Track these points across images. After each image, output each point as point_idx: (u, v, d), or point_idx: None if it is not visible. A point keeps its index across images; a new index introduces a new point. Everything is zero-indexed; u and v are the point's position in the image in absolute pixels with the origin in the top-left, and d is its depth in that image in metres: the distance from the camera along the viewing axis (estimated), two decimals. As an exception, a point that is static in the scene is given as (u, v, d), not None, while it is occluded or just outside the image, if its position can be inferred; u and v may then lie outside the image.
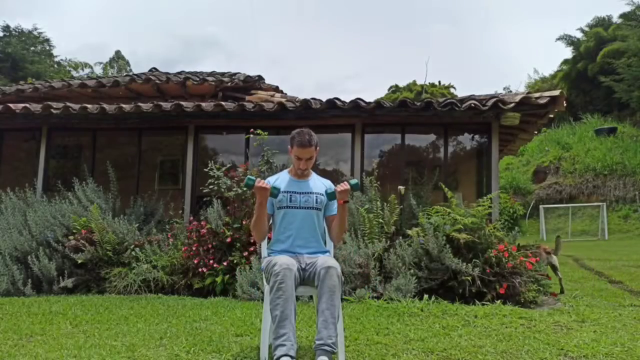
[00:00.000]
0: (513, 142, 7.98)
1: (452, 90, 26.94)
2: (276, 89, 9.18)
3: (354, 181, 2.82)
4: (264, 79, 8.91)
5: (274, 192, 2.77)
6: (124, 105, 6.51)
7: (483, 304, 4.36)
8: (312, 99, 6.31)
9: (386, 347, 3.01)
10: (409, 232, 5.25)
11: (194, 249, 5.48)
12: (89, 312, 4.24)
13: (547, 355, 2.84)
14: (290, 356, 2.39)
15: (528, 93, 6.00)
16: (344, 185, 2.77)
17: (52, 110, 6.60)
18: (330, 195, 2.84)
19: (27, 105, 6.79)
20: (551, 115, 6.15)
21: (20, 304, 4.67)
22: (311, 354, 2.75)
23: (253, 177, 2.74)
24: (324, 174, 3.15)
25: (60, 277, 5.55)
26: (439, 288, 4.77)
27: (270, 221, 2.97)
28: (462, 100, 6.00)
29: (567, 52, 26.24)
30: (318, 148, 2.93)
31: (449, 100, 6.01)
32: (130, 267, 5.57)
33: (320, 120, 6.35)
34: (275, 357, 2.40)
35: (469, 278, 4.59)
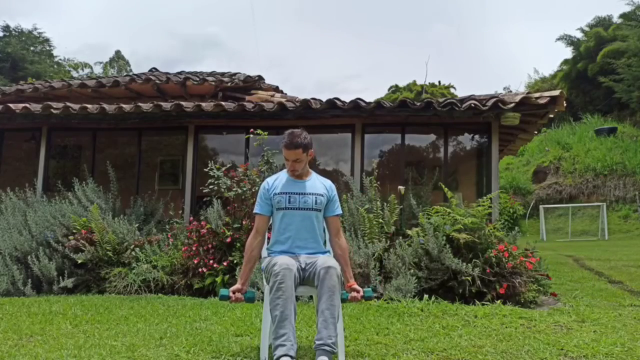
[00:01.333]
0: (513, 142, 7.98)
1: (452, 90, 26.92)
2: (276, 89, 9.18)
3: (368, 292, 2.75)
4: (264, 79, 8.91)
5: (248, 300, 2.75)
6: (124, 105, 6.51)
7: (483, 304, 4.36)
8: (312, 99, 6.31)
9: (386, 347, 3.01)
10: (409, 232, 5.25)
11: (194, 249, 5.48)
12: (89, 312, 4.24)
13: (547, 355, 2.84)
14: (290, 356, 2.39)
15: (528, 93, 6.00)
16: (357, 297, 2.71)
17: (52, 110, 6.60)
18: (342, 301, 2.73)
19: (27, 105, 6.79)
20: (551, 115, 6.15)
21: (20, 304, 4.67)
22: (311, 354, 2.75)
23: (226, 292, 2.70)
24: (324, 174, 3.15)
25: (60, 277, 5.55)
26: (439, 288, 4.77)
27: (270, 222, 2.97)
28: (462, 100, 6.00)
29: (567, 52, 26.28)
30: (311, 150, 2.89)
31: (449, 100, 6.01)
32: (130, 267, 5.57)
33: (320, 120, 6.35)
34: (275, 357, 2.40)
35: (469, 278, 4.59)
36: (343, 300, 2.72)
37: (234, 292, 2.69)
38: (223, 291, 2.70)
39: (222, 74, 9.01)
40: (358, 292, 2.71)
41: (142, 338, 3.27)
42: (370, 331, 3.40)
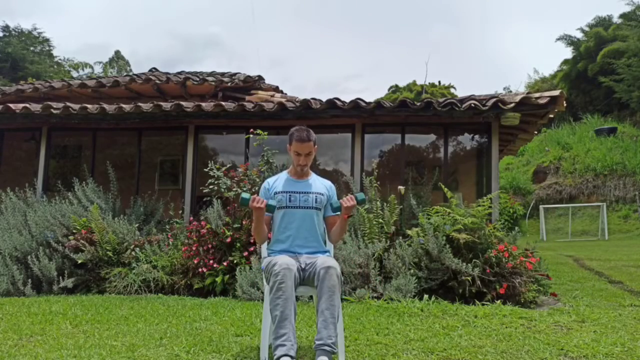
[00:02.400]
0: (513, 142, 7.98)
1: (452, 90, 26.94)
2: (276, 89, 9.19)
3: (360, 196, 2.78)
4: (264, 79, 8.92)
5: (270, 208, 2.75)
6: (124, 105, 6.52)
7: (483, 304, 4.36)
8: (312, 99, 6.32)
9: (386, 347, 3.01)
10: (409, 232, 5.25)
11: (194, 249, 5.48)
12: (89, 312, 4.24)
13: (547, 355, 2.84)
14: (290, 356, 2.39)
15: (528, 93, 6.00)
16: (351, 201, 2.74)
17: (52, 110, 6.60)
18: (336, 209, 2.80)
19: (27, 105, 6.79)
20: (551, 115, 6.15)
21: (20, 304, 4.67)
22: (311, 354, 2.75)
23: (247, 196, 2.71)
24: (324, 174, 3.16)
25: (60, 277, 5.55)
26: (439, 288, 4.77)
27: (270, 221, 2.97)
28: (462, 100, 6.00)
29: (567, 52, 26.28)
30: (317, 146, 2.93)
31: (449, 100, 6.01)
32: (130, 267, 5.57)
33: (320, 120, 6.36)
34: (275, 357, 2.40)
35: (469, 278, 4.59)
36: (337, 209, 2.76)
37: (254, 200, 2.68)
38: (244, 194, 2.70)
39: (222, 74, 9.01)
40: (349, 198, 2.74)
41: (142, 338, 3.27)
42: (370, 331, 3.40)
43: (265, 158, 5.73)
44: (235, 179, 5.66)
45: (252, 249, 5.24)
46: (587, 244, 12.87)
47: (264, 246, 2.96)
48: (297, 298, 2.64)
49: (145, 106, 6.42)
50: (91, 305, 4.59)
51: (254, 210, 2.72)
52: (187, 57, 60.23)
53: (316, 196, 2.89)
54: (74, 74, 28.34)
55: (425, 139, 7.62)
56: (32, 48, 27.04)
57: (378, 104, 6.07)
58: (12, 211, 6.21)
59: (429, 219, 5.16)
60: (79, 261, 5.60)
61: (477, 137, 7.04)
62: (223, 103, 6.42)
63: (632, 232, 15.17)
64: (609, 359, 2.81)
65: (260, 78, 8.80)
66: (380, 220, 5.37)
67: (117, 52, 31.89)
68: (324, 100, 6.24)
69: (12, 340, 3.23)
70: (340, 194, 4.89)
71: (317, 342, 2.48)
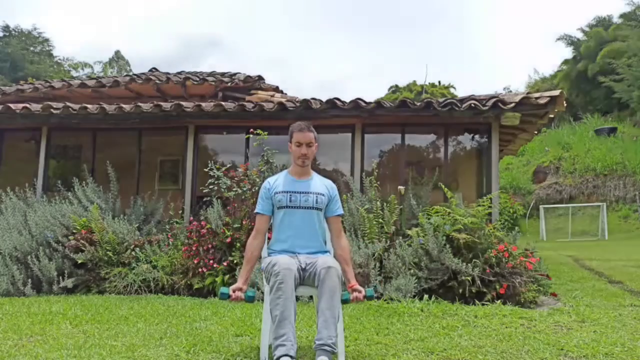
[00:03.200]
0: (513, 142, 7.98)
1: (452, 90, 26.93)
2: (276, 89, 9.18)
3: (370, 292, 2.74)
4: (264, 79, 8.91)
5: (249, 299, 2.69)
6: (124, 105, 6.51)
7: (483, 304, 4.36)
8: (312, 99, 6.31)
9: (386, 347, 3.01)
10: (409, 232, 5.25)
11: (194, 249, 5.48)
12: (89, 312, 4.24)
13: (547, 355, 2.84)
14: (290, 356, 2.39)
15: (528, 93, 6.00)
16: (359, 297, 2.68)
17: (52, 110, 6.60)
18: (344, 301, 2.73)
19: (27, 105, 6.79)
20: (551, 115, 6.14)
21: (20, 304, 4.67)
22: (311, 354, 2.75)
23: (226, 290, 2.66)
24: (324, 174, 3.15)
25: (60, 277, 5.55)
26: (439, 288, 4.77)
27: (270, 221, 2.97)
28: (462, 100, 6.00)
29: (568, 52, 26.25)
30: (317, 142, 2.93)
31: (449, 100, 6.01)
32: (130, 267, 5.57)
33: (320, 120, 6.34)
34: (275, 357, 2.40)
35: (469, 278, 4.59)
36: (345, 302, 2.71)
37: (234, 291, 2.67)
38: (223, 289, 2.69)
39: (222, 74, 9.00)
40: (360, 292, 2.70)
41: (142, 338, 3.27)
42: (370, 331, 3.40)
43: (265, 158, 5.73)
44: (235, 179, 5.66)
45: (252, 249, 5.23)
46: (587, 244, 12.87)
47: (264, 246, 2.96)
48: (297, 298, 2.64)
49: (145, 106, 6.42)
50: (91, 305, 4.59)
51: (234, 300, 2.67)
52: (187, 57, 60.24)
53: (317, 196, 2.88)
54: (74, 73, 28.34)
55: (425, 139, 7.62)
56: (31, 48, 27.07)
57: (378, 104, 6.07)
58: (12, 211, 6.21)
59: (429, 219, 5.16)
60: (79, 261, 5.60)
61: (477, 137, 7.04)
62: (223, 103, 6.42)
63: (632, 232, 15.17)
64: (609, 359, 2.81)
65: (260, 78, 8.79)
66: (380, 220, 5.37)
67: (117, 52, 31.92)
68: (324, 100, 6.24)
69: (12, 340, 3.23)
70: (341, 194, 4.88)
71: (317, 342, 2.48)
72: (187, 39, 66.65)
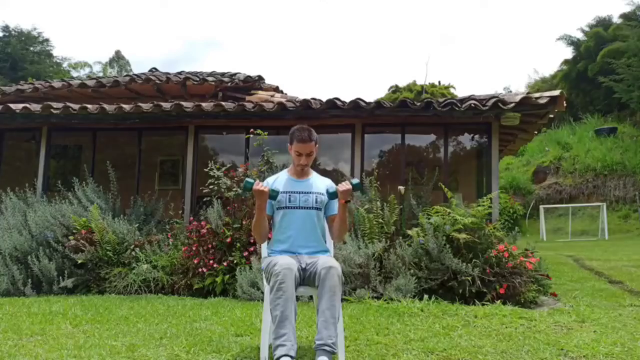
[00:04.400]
0: (513, 142, 7.98)
1: (452, 90, 26.89)
2: (276, 89, 9.19)
3: (355, 181, 2.79)
4: (264, 79, 8.91)
5: (273, 194, 2.75)
6: (124, 105, 6.51)
7: (483, 304, 4.36)
8: (312, 99, 6.32)
9: (386, 347, 3.01)
10: (409, 232, 5.25)
11: (194, 249, 5.48)
12: (89, 312, 4.24)
13: (547, 355, 2.84)
14: (291, 356, 2.39)
15: (528, 93, 6.00)
16: (346, 185, 2.74)
17: (52, 110, 6.60)
18: (332, 195, 2.83)
19: (27, 105, 6.79)
20: (551, 115, 6.15)
21: (20, 304, 4.67)
22: (311, 354, 2.75)
23: (251, 180, 2.71)
24: (324, 174, 3.15)
25: (60, 277, 5.55)
26: (439, 288, 4.77)
27: (270, 221, 2.97)
28: (462, 100, 6.00)
29: (568, 52, 26.28)
30: (318, 145, 2.92)
31: (449, 100, 6.01)
32: (130, 267, 5.57)
33: (320, 120, 6.35)
34: (275, 357, 2.40)
35: (469, 278, 4.59)
36: (333, 195, 2.77)
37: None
38: (248, 179, 2.70)
39: (222, 74, 9.01)
40: (346, 183, 2.74)
41: (142, 338, 3.27)
42: (370, 331, 3.40)
43: (265, 158, 5.73)
44: (235, 179, 5.67)
45: (252, 249, 5.24)
46: (587, 244, 12.86)
47: (264, 246, 2.96)
48: (297, 298, 2.64)
49: (145, 106, 6.42)
50: (91, 305, 4.59)
51: (256, 195, 2.70)
52: (187, 57, 60.18)
53: (317, 196, 2.88)
54: (74, 73, 28.34)
55: (425, 139, 7.63)
56: (31, 48, 27.03)
57: (378, 104, 6.07)
58: (12, 211, 6.21)
59: (429, 219, 5.16)
60: (79, 261, 5.60)
61: (477, 137, 7.04)
62: (223, 103, 6.42)
63: (632, 232, 15.16)
64: (609, 359, 2.81)
65: (260, 78, 8.80)
66: (380, 220, 5.37)
67: (118, 52, 31.93)
68: (324, 100, 6.24)
69: (12, 340, 3.23)
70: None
71: (317, 342, 2.48)
72: (188, 39, 66.61)
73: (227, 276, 5.20)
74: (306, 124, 5.67)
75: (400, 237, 5.24)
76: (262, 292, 4.02)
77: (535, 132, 7.31)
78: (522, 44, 57.79)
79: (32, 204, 6.38)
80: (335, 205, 2.94)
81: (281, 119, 6.36)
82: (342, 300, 2.78)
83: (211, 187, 5.65)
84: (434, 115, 6.01)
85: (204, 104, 6.37)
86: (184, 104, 6.42)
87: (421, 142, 7.62)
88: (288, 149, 2.93)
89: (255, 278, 4.90)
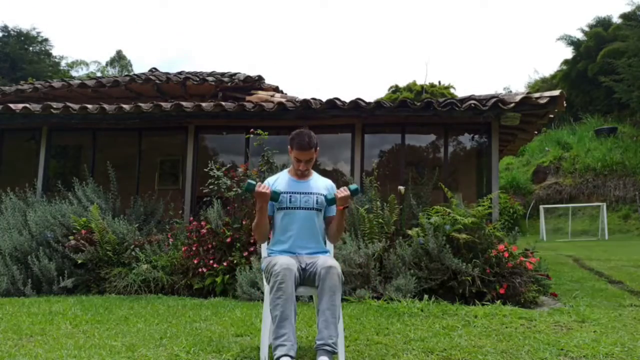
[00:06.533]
0: (513, 142, 7.98)
1: (452, 90, 26.88)
2: (276, 89, 9.19)
3: (353, 187, 2.79)
4: (264, 79, 8.91)
5: (274, 196, 2.75)
6: (124, 105, 6.51)
7: (483, 304, 4.36)
8: (312, 99, 6.32)
9: (386, 347, 3.01)
10: (409, 232, 5.25)
11: (194, 249, 5.48)
12: (89, 312, 4.24)
13: (547, 355, 2.84)
14: (291, 356, 2.39)
15: (528, 93, 6.00)
16: (344, 192, 2.74)
17: (52, 110, 6.60)
18: (330, 201, 2.82)
19: (27, 105, 6.79)
20: (551, 115, 6.15)
21: (20, 304, 4.67)
22: (311, 354, 2.75)
23: (253, 182, 2.71)
24: (324, 174, 3.15)
25: (60, 277, 5.55)
26: (439, 288, 4.77)
27: (271, 222, 2.96)
28: (462, 100, 6.00)
29: (568, 52, 26.29)
30: (318, 149, 2.91)
31: (449, 100, 6.01)
32: (130, 267, 5.57)
33: (320, 120, 6.36)
34: (275, 357, 2.40)
35: (469, 278, 4.60)
36: (331, 201, 2.78)
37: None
38: (250, 180, 2.70)
39: (222, 74, 9.01)
40: (344, 190, 2.74)
41: (142, 338, 3.27)
42: (370, 331, 3.40)
43: (266, 158, 5.73)
44: (235, 179, 5.67)
45: (252, 249, 5.24)
46: (587, 244, 12.86)
47: (264, 246, 2.96)
48: (297, 298, 2.64)
49: (145, 106, 6.42)
50: (91, 305, 4.59)
51: (258, 197, 2.70)
52: (188, 57, 60.13)
53: (317, 197, 2.88)
54: (74, 73, 28.33)
55: (425, 139, 7.62)
56: (30, 48, 27.01)
57: (378, 104, 6.07)
58: (12, 211, 6.21)
59: (429, 219, 5.16)
60: (79, 261, 5.60)
61: (477, 137, 7.04)
62: (223, 103, 6.42)
63: (632, 232, 15.17)
64: (609, 359, 2.81)
65: (260, 78, 8.80)
66: (380, 220, 5.37)
67: (119, 52, 31.93)
68: (324, 100, 6.24)
69: (12, 340, 3.23)
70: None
71: (318, 342, 2.48)
72: (189, 39, 66.58)
73: (227, 276, 5.20)
74: (306, 124, 5.69)
75: (400, 237, 5.24)
76: (262, 292, 4.02)
77: (535, 132, 7.31)
78: (522, 44, 57.80)
79: (32, 203, 6.38)
80: (334, 207, 2.94)
81: (281, 119, 6.36)
82: (342, 300, 2.78)
83: (211, 187, 5.65)
84: (434, 115, 6.01)
85: (204, 104, 6.37)
86: (184, 104, 6.42)
87: (421, 142, 7.62)
88: (289, 151, 2.92)
89: (255, 278, 4.90)
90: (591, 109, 22.56)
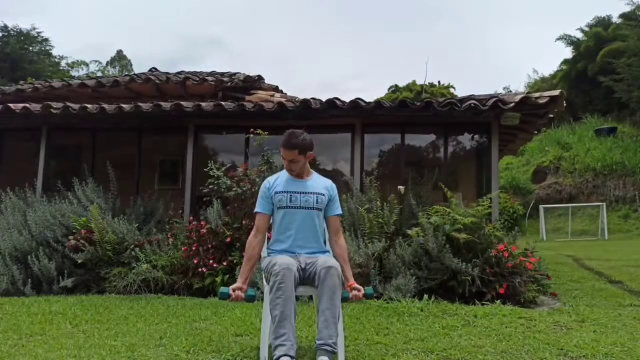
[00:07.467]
0: (513, 142, 7.98)
1: (452, 90, 26.88)
2: (276, 89, 9.18)
3: (370, 290, 2.77)
4: (264, 79, 8.91)
5: (250, 299, 2.69)
6: (124, 105, 6.51)
7: (483, 304, 4.36)
8: (312, 99, 6.31)
9: (386, 347, 3.01)
10: (409, 232, 5.24)
11: (194, 249, 5.48)
12: (89, 312, 4.24)
13: (547, 355, 2.84)
14: (290, 356, 2.39)
15: (528, 93, 6.01)
16: (359, 294, 2.70)
17: (52, 110, 6.60)
18: (345, 300, 2.74)
19: (27, 105, 6.79)
20: (551, 115, 6.15)
21: (20, 304, 4.67)
22: (311, 354, 2.75)
23: (226, 290, 2.66)
24: (324, 174, 3.15)
25: (60, 277, 5.55)
26: (439, 288, 4.77)
27: (271, 221, 2.96)
28: (462, 100, 6.00)
29: (567, 52, 26.22)
30: (310, 153, 2.87)
31: (449, 100, 6.01)
32: (130, 267, 5.56)
33: (320, 121, 6.35)
34: (275, 357, 2.40)
35: (469, 278, 4.59)
36: (345, 300, 2.72)
37: (234, 291, 2.66)
38: (223, 289, 2.68)
39: (222, 74, 9.01)
40: (359, 291, 2.71)
41: (142, 338, 3.27)
42: (370, 331, 3.40)
43: (266, 158, 5.73)
44: (235, 179, 5.66)
45: (252, 249, 5.23)
46: (587, 244, 12.87)
47: (264, 246, 2.96)
48: (297, 298, 2.64)
49: (145, 106, 6.41)
50: (91, 305, 4.59)
51: (234, 301, 2.66)
52: (187, 57, 60.09)
53: (317, 197, 2.88)
54: (74, 73, 28.32)
55: (425, 139, 7.61)
56: (30, 48, 26.99)
57: (378, 104, 6.07)
58: (12, 211, 6.21)
59: (429, 219, 5.16)
60: (79, 261, 5.60)
61: (477, 137, 7.04)
62: (223, 103, 6.42)
63: (632, 232, 15.17)
64: (609, 359, 2.81)
65: (260, 78, 8.80)
66: (380, 220, 5.37)
67: (119, 52, 31.92)
68: (324, 100, 6.23)
69: (12, 340, 3.23)
70: (340, 194, 4.89)
71: (318, 342, 2.48)
72: (189, 39, 66.56)
73: (227, 276, 5.20)
74: (306, 124, 5.68)
75: (400, 237, 5.24)
76: (262, 292, 4.02)
77: (535, 132, 7.31)
78: (522, 44, 57.81)
79: (32, 203, 6.38)
80: (335, 206, 2.94)
81: (281, 119, 6.35)
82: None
83: (211, 187, 5.65)
84: (434, 115, 6.00)
85: (204, 104, 6.37)
86: (184, 104, 6.42)
87: (421, 142, 7.61)
88: None
89: (255, 278, 4.89)
90: (591, 109, 22.56)
